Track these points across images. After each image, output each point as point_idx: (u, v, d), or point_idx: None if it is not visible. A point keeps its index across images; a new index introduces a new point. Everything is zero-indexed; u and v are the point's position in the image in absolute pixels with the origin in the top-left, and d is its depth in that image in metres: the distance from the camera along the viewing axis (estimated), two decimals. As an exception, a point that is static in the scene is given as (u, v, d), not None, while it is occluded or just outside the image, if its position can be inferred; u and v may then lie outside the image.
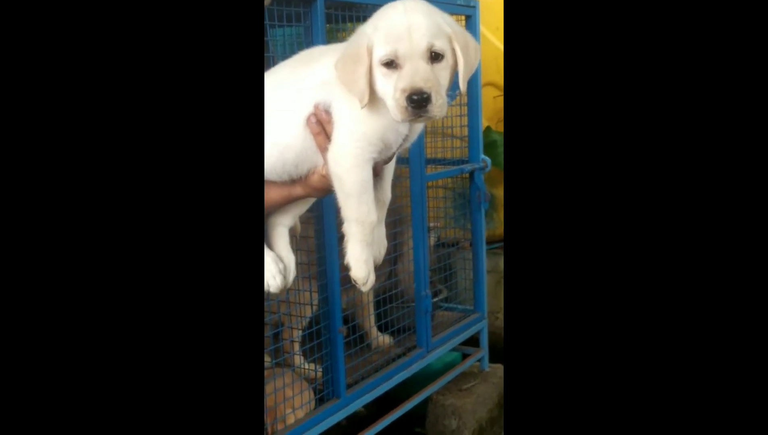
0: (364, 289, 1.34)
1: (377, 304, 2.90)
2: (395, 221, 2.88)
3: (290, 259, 1.49)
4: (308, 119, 1.29)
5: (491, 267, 3.66)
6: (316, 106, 1.28)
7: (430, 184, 3.09)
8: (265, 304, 2.45)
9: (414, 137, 1.35)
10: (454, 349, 3.26)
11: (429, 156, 3.10)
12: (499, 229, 4.03)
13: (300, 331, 2.62)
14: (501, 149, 3.78)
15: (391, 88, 1.17)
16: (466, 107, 3.17)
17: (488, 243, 3.43)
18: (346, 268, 1.33)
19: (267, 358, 2.58)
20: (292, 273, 1.48)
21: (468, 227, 3.36)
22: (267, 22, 2.11)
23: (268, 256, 1.43)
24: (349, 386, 2.53)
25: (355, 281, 1.34)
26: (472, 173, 3.21)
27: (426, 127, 3.08)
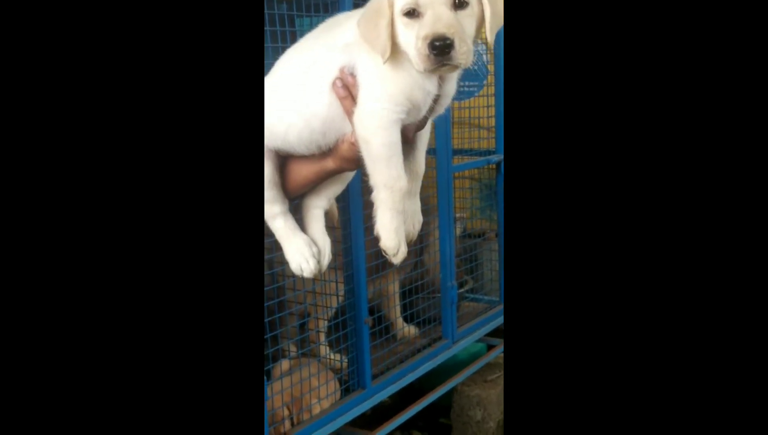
0: (396, 260, 1.29)
1: (403, 295, 2.90)
2: (422, 212, 2.87)
3: (325, 242, 1.45)
4: (334, 83, 1.25)
5: (517, 258, 3.61)
6: (342, 70, 1.25)
7: (456, 174, 3.07)
8: (292, 294, 2.46)
9: (446, 100, 1.30)
10: (479, 340, 3.25)
11: (456, 147, 3.08)
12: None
13: (326, 322, 2.63)
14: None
15: (413, 37, 1.13)
16: (493, 97, 3.14)
17: (514, 234, 3.39)
18: (376, 239, 1.28)
19: (293, 348, 2.59)
20: (326, 257, 1.44)
21: (494, 218, 3.34)
22: (294, 12, 2.10)
23: (301, 239, 1.40)
24: (374, 377, 2.53)
25: (385, 252, 1.29)
26: (498, 164, 3.19)
27: (452, 117, 3.06)
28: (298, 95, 1.29)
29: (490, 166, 3.22)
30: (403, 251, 1.28)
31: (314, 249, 1.41)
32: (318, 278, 2.44)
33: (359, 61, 1.23)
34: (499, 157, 3.15)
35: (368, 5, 1.22)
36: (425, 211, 2.90)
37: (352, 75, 1.23)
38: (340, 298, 2.54)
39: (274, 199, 1.38)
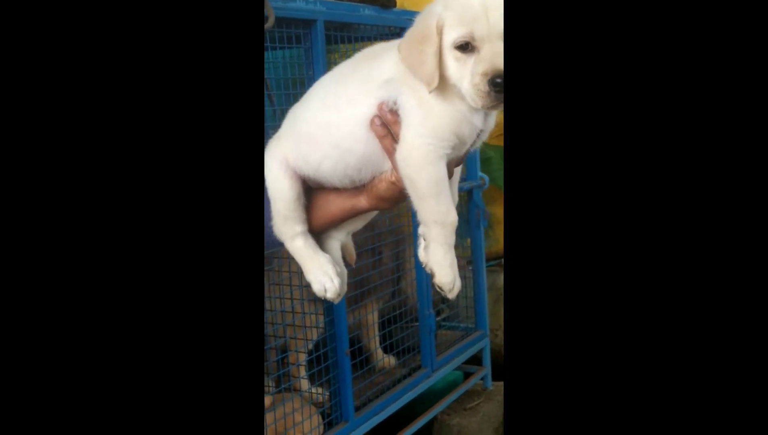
0: (451, 295, 1.22)
1: (382, 325, 2.88)
2: (397, 241, 2.87)
3: (343, 271, 1.38)
4: (372, 121, 1.19)
5: (490, 284, 3.63)
6: (380, 107, 1.19)
7: (428, 203, 3.08)
8: (271, 328, 2.42)
9: (487, 133, 1.24)
10: (456, 368, 3.24)
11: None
12: (496, 247, 4.03)
13: (306, 355, 2.59)
14: (497, 166, 3.78)
15: (467, 73, 1.09)
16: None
17: (486, 260, 3.42)
18: (430, 275, 1.22)
19: (273, 384, 2.54)
20: (344, 286, 1.36)
21: (467, 245, 3.35)
22: (268, 44, 2.10)
23: (324, 258, 1.33)
24: (357, 409, 2.50)
25: (440, 288, 1.22)
26: (470, 191, 3.21)
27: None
28: (333, 128, 1.24)
29: (462, 194, 3.24)
30: (458, 286, 1.22)
31: (338, 268, 1.34)
32: (298, 310, 2.41)
33: (402, 95, 1.17)
34: (471, 184, 3.18)
35: (413, 30, 1.16)
36: (400, 240, 2.91)
37: (393, 111, 1.18)
38: (320, 331, 2.51)
39: (296, 218, 1.31)
